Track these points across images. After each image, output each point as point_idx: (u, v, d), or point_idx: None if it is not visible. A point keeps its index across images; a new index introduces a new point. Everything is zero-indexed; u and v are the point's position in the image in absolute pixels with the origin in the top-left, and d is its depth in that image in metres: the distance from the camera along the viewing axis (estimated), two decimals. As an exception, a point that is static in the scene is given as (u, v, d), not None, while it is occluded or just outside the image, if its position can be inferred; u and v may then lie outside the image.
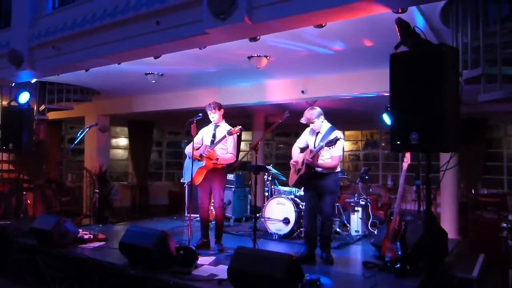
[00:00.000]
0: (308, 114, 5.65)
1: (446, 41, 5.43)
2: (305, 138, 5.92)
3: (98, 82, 9.66)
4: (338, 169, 5.78)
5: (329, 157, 5.56)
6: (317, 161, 5.52)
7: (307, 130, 5.92)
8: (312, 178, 5.64)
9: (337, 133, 5.53)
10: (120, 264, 5.23)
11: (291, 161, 5.90)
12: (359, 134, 16.52)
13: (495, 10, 4.27)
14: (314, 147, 5.62)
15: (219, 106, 6.33)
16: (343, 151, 16.30)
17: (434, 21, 5.36)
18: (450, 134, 3.43)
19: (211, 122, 6.41)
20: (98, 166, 12.07)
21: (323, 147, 5.36)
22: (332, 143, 5.27)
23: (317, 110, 5.69)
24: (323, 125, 5.73)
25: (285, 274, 3.97)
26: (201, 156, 6.10)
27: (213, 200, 6.41)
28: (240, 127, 6.07)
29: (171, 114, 12.22)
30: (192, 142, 6.25)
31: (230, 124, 6.37)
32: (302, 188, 6.21)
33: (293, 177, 5.85)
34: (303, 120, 5.68)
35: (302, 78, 8.88)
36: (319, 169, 5.60)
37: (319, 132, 5.72)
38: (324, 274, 5.07)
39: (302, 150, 5.91)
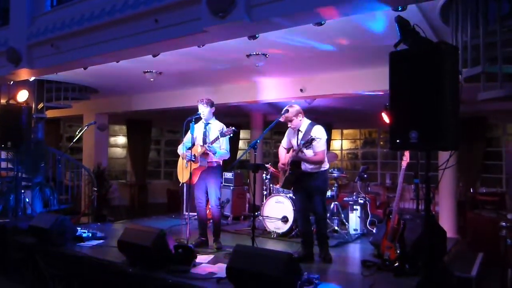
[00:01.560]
0: (286, 113, 5.60)
1: (446, 39, 5.43)
2: (288, 138, 5.89)
3: (96, 80, 9.65)
4: (326, 167, 5.72)
5: (312, 155, 5.52)
6: (302, 155, 5.47)
7: (288, 130, 5.88)
8: (300, 179, 5.60)
9: (316, 130, 5.50)
10: (118, 262, 5.22)
11: (279, 164, 5.86)
12: (357, 133, 16.53)
13: (495, 8, 4.27)
14: (298, 145, 5.59)
15: (211, 103, 6.29)
16: (344, 147, 16.32)
17: (433, 19, 5.36)
18: (449, 133, 3.43)
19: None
20: (96, 164, 12.06)
21: (301, 149, 5.36)
22: (308, 143, 5.26)
23: (295, 108, 5.62)
24: (303, 123, 5.67)
25: (283, 272, 3.96)
26: (195, 156, 6.06)
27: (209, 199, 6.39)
28: (233, 128, 6.03)
29: (170, 112, 12.21)
30: (185, 143, 6.23)
31: (227, 123, 6.34)
32: (291, 189, 6.18)
33: (281, 178, 5.84)
34: (281, 119, 5.61)
35: (301, 76, 8.87)
36: (307, 168, 5.55)
37: (299, 130, 5.67)
38: (323, 273, 5.07)
39: (288, 150, 5.87)
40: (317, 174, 5.58)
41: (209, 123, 6.32)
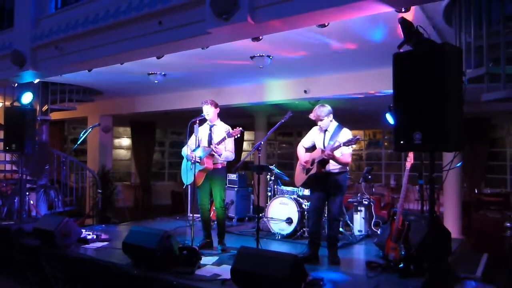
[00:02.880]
0: (318, 111, 5.60)
1: (449, 40, 5.42)
2: (312, 138, 5.86)
3: (100, 82, 9.67)
4: (347, 168, 5.78)
5: (340, 155, 5.52)
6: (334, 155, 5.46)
7: (314, 128, 5.87)
8: (322, 178, 5.60)
9: (347, 133, 5.54)
10: (123, 264, 5.23)
11: (300, 162, 5.82)
12: (361, 134, 16.50)
13: (498, 9, 4.26)
14: (324, 145, 5.58)
15: (215, 104, 6.28)
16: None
17: (437, 20, 5.36)
18: (453, 134, 3.42)
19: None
20: (101, 166, 12.08)
21: (340, 145, 5.32)
22: (351, 142, 5.24)
23: (327, 108, 5.63)
24: (331, 124, 5.69)
25: (288, 274, 3.96)
26: (200, 158, 6.07)
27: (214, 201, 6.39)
28: (240, 129, 6.02)
29: (174, 114, 12.24)
30: (189, 144, 6.25)
31: (231, 125, 6.33)
32: (309, 188, 6.16)
33: (300, 176, 5.79)
34: (312, 116, 5.63)
35: (305, 77, 8.88)
36: (334, 169, 5.55)
37: (326, 130, 5.69)
38: (328, 274, 5.06)
39: (308, 150, 5.87)
40: (339, 175, 5.61)
41: (214, 124, 6.31)
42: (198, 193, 6.35)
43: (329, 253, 5.67)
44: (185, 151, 6.35)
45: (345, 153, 5.51)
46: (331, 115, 5.66)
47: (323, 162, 5.51)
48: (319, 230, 5.76)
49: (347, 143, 5.26)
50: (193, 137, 6.28)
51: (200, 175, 6.11)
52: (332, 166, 5.57)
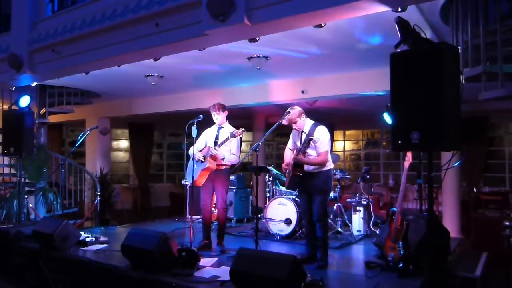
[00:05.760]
0: (289, 115, 5.58)
1: (446, 39, 5.43)
2: (293, 140, 5.85)
3: (98, 84, 9.67)
4: (330, 166, 5.66)
5: (316, 155, 5.49)
6: (304, 157, 5.44)
7: (293, 131, 5.86)
8: (302, 179, 5.54)
9: (318, 130, 5.49)
10: (122, 266, 5.22)
11: (283, 165, 5.82)
12: (360, 134, 16.52)
13: (495, 8, 4.27)
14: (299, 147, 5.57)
15: (223, 108, 6.31)
16: (347, 148, 16.31)
17: (434, 19, 5.36)
18: (451, 133, 3.42)
19: (214, 123, 6.41)
20: (99, 168, 12.08)
21: (301, 151, 5.35)
22: (306, 143, 5.27)
23: (297, 109, 5.61)
24: (306, 123, 5.64)
25: (287, 274, 3.95)
26: (204, 157, 6.09)
27: (215, 201, 6.39)
28: (243, 129, 6.05)
29: (172, 115, 12.23)
30: (194, 144, 6.26)
31: (232, 125, 6.37)
32: (296, 190, 6.15)
33: (286, 179, 5.82)
34: (284, 122, 5.59)
35: (303, 78, 8.88)
36: (309, 168, 5.52)
37: (303, 131, 5.62)
38: (326, 274, 5.07)
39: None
40: (318, 174, 5.52)
41: (222, 127, 6.37)
42: (201, 194, 6.35)
43: (318, 255, 5.58)
44: (192, 150, 6.36)
45: (320, 152, 5.45)
46: (303, 115, 5.62)
47: (296, 164, 5.49)
48: (312, 231, 5.71)
49: (303, 145, 5.33)
50: (201, 136, 6.35)
51: (203, 174, 6.12)
52: (310, 166, 5.53)
